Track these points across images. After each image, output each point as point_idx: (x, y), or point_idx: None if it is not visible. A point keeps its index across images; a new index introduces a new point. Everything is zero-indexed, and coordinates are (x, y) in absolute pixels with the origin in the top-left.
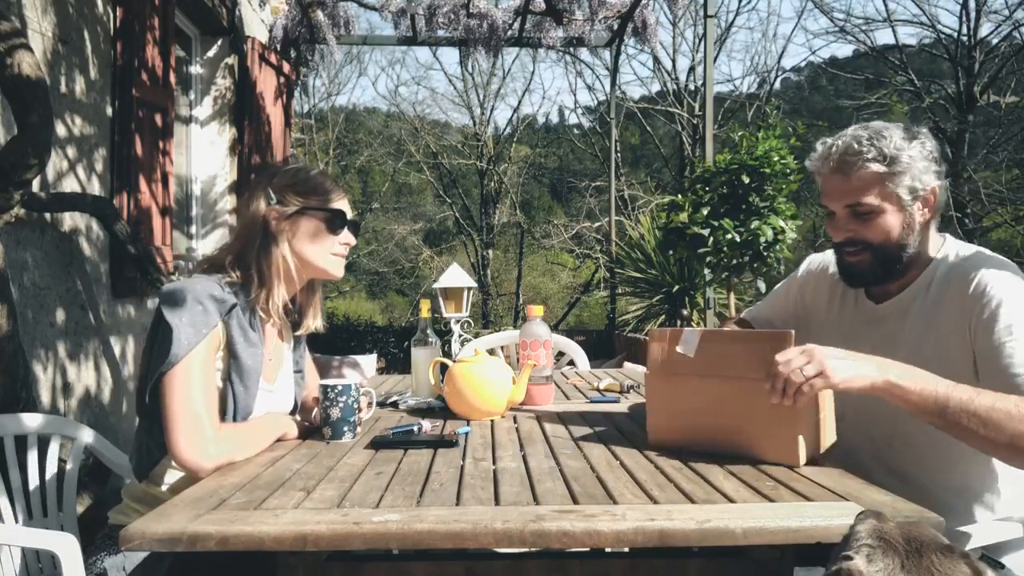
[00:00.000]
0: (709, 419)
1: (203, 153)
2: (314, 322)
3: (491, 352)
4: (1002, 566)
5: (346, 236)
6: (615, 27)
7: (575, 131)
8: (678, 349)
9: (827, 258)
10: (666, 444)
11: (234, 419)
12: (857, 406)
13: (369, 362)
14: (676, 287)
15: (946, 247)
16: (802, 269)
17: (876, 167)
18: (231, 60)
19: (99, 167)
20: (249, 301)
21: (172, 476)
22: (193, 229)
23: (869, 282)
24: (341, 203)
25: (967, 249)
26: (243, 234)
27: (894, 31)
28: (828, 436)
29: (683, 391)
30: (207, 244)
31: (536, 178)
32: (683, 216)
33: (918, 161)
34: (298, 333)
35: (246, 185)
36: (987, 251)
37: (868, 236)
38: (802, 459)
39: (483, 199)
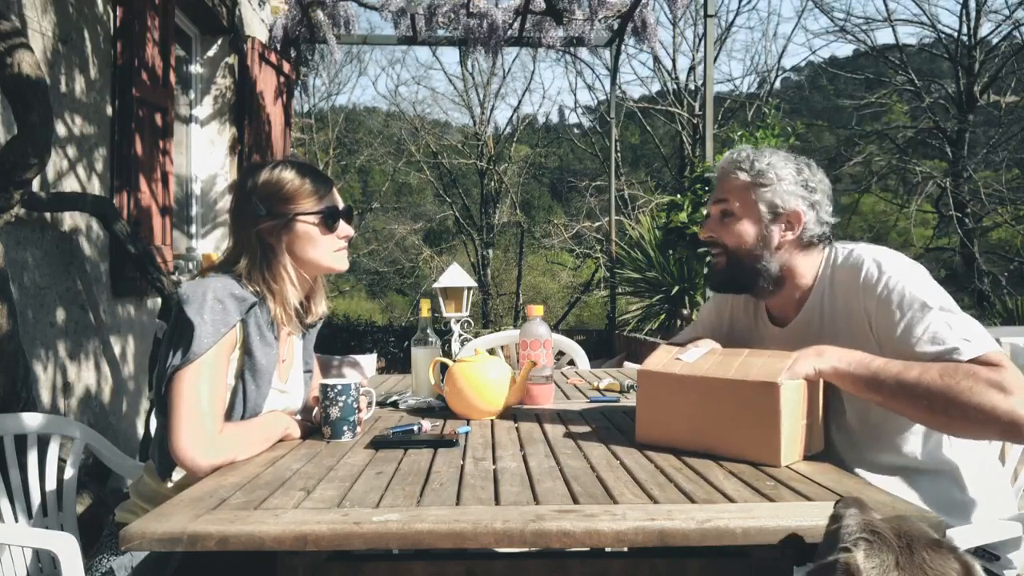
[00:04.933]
0: (696, 420)
1: (203, 153)
2: (321, 308)
3: (491, 352)
4: (998, 557)
5: (344, 229)
6: (615, 27)
7: (575, 131)
8: (679, 357)
9: None
10: (653, 441)
11: (242, 417)
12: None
13: (369, 362)
14: (676, 287)
15: (829, 256)
16: (720, 295)
17: (743, 176)
18: (231, 60)
19: (99, 167)
20: (268, 312)
21: (179, 473)
22: (193, 229)
23: (723, 286)
24: (330, 198)
25: (846, 247)
26: (243, 250)
27: (894, 31)
28: (814, 443)
29: (674, 390)
30: (207, 243)
31: (536, 178)
32: (683, 216)
33: (786, 183)
34: (309, 321)
35: None
36: (863, 244)
37: (725, 239)
38: (783, 460)
39: (483, 199)
